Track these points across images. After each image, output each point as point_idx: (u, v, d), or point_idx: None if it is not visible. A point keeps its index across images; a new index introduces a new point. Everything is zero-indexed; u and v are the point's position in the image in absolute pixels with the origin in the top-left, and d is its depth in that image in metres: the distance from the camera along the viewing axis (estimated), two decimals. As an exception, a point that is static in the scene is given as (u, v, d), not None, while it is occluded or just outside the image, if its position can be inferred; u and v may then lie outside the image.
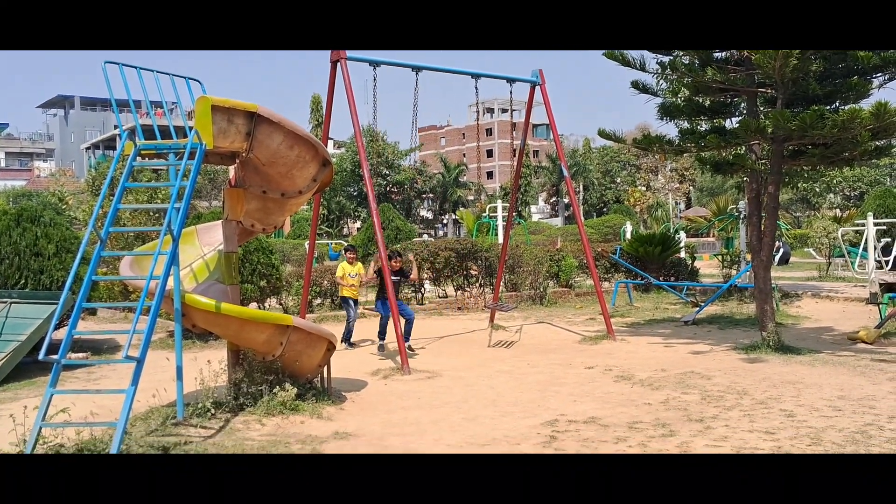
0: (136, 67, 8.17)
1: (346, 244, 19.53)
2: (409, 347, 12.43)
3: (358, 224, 61.82)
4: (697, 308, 16.55)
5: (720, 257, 22.65)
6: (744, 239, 21.54)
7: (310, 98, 63.22)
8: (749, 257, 19.99)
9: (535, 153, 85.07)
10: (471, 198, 72.10)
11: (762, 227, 12.28)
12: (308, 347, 8.59)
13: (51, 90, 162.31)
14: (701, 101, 12.81)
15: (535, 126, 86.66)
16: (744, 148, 12.37)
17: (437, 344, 13.84)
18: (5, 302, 11.31)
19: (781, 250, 29.97)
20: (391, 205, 46.33)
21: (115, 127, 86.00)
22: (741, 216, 21.59)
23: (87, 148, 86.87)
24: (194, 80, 8.65)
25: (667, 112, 12.93)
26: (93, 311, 17.11)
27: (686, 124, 13.07)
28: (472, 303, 18.83)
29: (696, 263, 23.38)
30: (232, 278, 8.77)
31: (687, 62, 12.08)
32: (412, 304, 18.49)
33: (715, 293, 17.41)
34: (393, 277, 12.33)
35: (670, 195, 70.95)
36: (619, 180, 78.82)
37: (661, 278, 20.71)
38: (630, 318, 16.63)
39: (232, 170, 8.98)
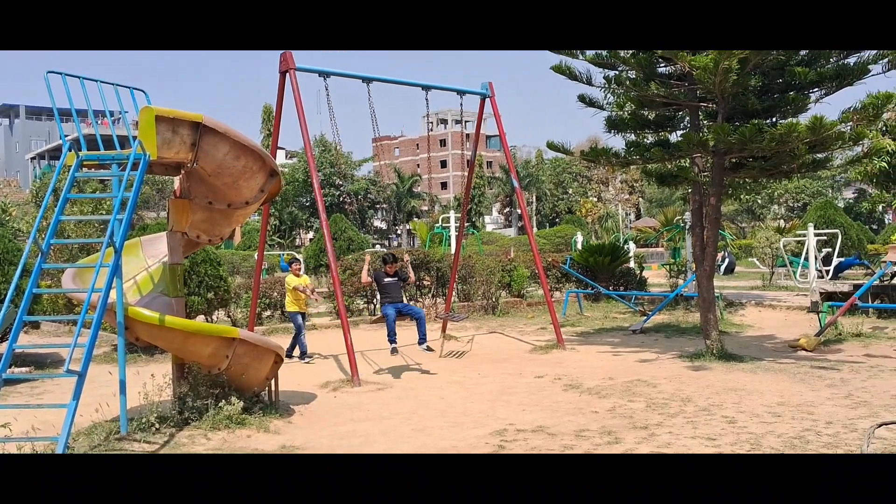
0: (79, 77, 8.06)
1: (292, 256, 19.40)
2: (428, 348, 12.30)
3: (310, 235, 61.43)
4: (645, 317, 16.82)
5: (667, 267, 23.06)
6: (690, 249, 21.98)
7: (261, 107, 62.64)
8: (695, 267, 20.43)
9: (489, 164, 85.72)
10: (425, 208, 72.25)
11: (705, 237, 12.55)
12: (255, 360, 8.52)
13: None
14: (646, 114, 13.07)
15: (488, 137, 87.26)
16: (687, 160, 12.65)
17: (388, 355, 13.81)
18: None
19: (727, 260, 30.66)
20: (344, 215, 46.17)
21: (59, 137, 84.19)
22: (686, 227, 22.04)
23: (33, 158, 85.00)
24: (139, 90, 8.57)
25: (613, 125, 13.16)
26: (36, 325, 16.72)
27: (632, 137, 13.33)
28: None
29: (645, 273, 23.77)
30: (177, 290, 8.67)
31: (632, 77, 12.33)
32: (364, 315, 18.46)
33: (662, 302, 17.72)
34: (389, 280, 12.25)
35: (620, 206, 71.98)
36: (570, 191, 79.73)
37: (610, 288, 21.01)
38: (580, 328, 16.82)
39: (177, 180, 8.89)
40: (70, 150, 7.71)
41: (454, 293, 18.44)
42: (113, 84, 8.39)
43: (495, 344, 14.98)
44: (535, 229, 56.30)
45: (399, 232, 75.13)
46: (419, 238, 50.23)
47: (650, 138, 13.42)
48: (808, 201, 53.24)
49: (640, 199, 76.33)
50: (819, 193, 54.23)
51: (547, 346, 14.02)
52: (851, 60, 11.37)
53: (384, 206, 72.65)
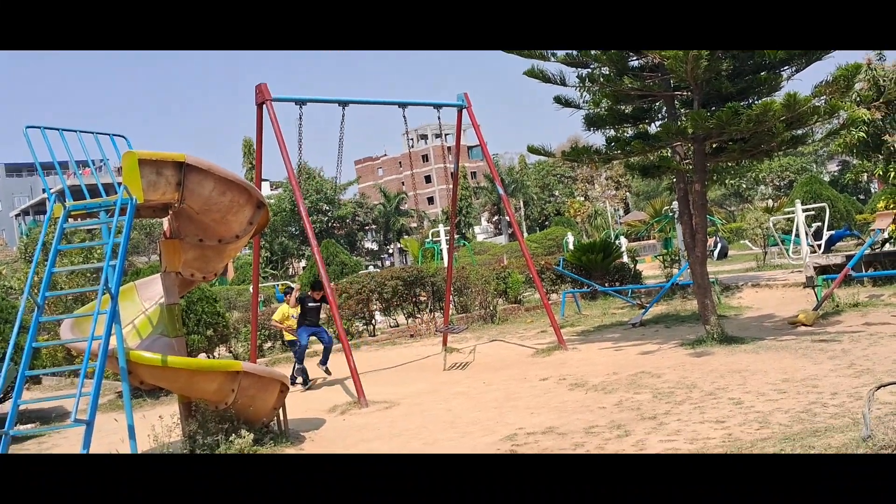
0: (58, 129, 8.11)
1: (287, 286, 19.44)
2: (327, 370, 13.26)
3: (303, 263, 61.42)
4: (643, 310, 16.89)
5: (661, 258, 23.15)
6: (681, 238, 22.08)
7: (241, 141, 62.77)
8: (687, 255, 20.52)
9: (473, 174, 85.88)
10: (414, 225, 72.36)
11: (694, 224, 12.65)
12: (261, 391, 8.55)
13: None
14: (623, 109, 13.19)
15: (469, 148, 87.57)
16: (668, 150, 12.76)
17: (392, 373, 13.85)
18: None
19: (719, 245, 30.81)
20: (334, 240, 46.21)
21: (43, 191, 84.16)
22: (675, 216, 22.15)
23: (17, 215, 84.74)
24: (119, 136, 8.62)
25: (591, 123, 13.27)
26: (37, 381, 16.69)
27: (612, 132, 13.43)
28: (423, 329, 18.88)
29: (639, 266, 23.85)
30: (176, 330, 8.70)
31: (605, 73, 12.45)
32: (364, 336, 18.52)
33: (658, 293, 17.79)
34: (313, 304, 13.21)
35: (608, 203, 72.23)
36: (557, 193, 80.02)
37: (606, 284, 21.07)
38: (580, 327, 16.86)
39: (166, 221, 8.93)
40: (56, 202, 7.74)
41: (451, 305, 18.49)
42: (92, 133, 8.44)
43: (497, 352, 15.00)
44: (525, 234, 56.51)
45: (391, 251, 75.19)
46: (411, 255, 50.28)
47: (630, 132, 13.53)
48: (793, 178, 53.57)
49: (628, 193, 76.63)
50: (804, 170, 54.57)
51: (549, 348, 14.06)
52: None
53: (373, 227, 72.74)
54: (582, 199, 71.13)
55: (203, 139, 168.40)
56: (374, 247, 75.85)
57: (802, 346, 11.03)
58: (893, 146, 16.20)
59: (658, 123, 12.99)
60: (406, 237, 65.56)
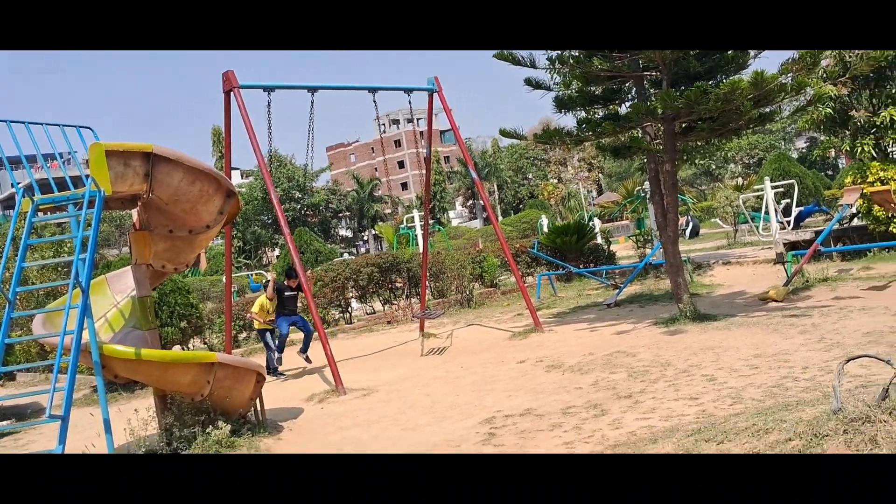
0: (24, 122, 7.98)
1: (265, 279, 19.27)
2: (307, 358, 13.23)
3: (276, 252, 61.02)
4: (617, 290, 17.01)
5: (634, 238, 23.30)
6: (653, 218, 22.24)
7: (210, 130, 62.03)
8: (659, 235, 20.68)
9: (447, 159, 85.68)
10: (388, 211, 72.15)
11: (665, 204, 12.74)
12: (237, 382, 8.51)
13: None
14: (593, 90, 13.23)
15: (442, 132, 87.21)
16: (638, 130, 12.83)
17: (370, 360, 13.86)
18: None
19: (691, 224, 31.05)
20: (308, 228, 45.95)
21: (11, 185, 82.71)
22: (647, 196, 22.28)
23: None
24: (86, 127, 8.49)
25: (562, 105, 13.30)
26: (11, 377, 16.48)
27: (582, 114, 13.47)
28: (400, 315, 18.88)
29: (613, 247, 23.99)
30: (149, 323, 8.63)
31: (575, 54, 12.46)
32: (340, 324, 18.49)
33: (631, 274, 17.93)
34: (290, 293, 13.17)
35: (581, 185, 72.48)
36: (530, 176, 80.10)
37: (580, 266, 21.19)
38: (555, 309, 16.96)
39: (135, 213, 8.83)
40: (24, 197, 7.63)
41: (427, 291, 18.50)
42: (59, 125, 8.31)
43: (474, 336, 15.05)
44: (499, 218, 56.53)
45: (365, 238, 74.94)
46: (386, 241, 50.15)
47: (600, 113, 13.58)
48: (762, 156, 54.07)
49: (600, 175, 76.92)
50: (772, 147, 55.09)
51: (525, 331, 14.13)
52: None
53: (347, 214, 72.39)
54: (555, 181, 71.30)
55: (171, 128, 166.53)
56: (349, 234, 75.53)
57: (773, 322, 11.19)
58: (860, 122, 16.40)
59: (628, 104, 13.04)
60: (380, 223, 65.36)
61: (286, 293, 13.15)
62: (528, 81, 13.22)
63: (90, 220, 7.33)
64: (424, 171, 15.59)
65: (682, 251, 13.49)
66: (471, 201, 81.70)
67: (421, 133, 17.58)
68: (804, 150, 57.41)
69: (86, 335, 7.23)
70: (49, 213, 8.19)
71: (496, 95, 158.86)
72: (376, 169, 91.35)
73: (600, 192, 74.38)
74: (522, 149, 77.66)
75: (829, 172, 45.80)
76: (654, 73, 12.21)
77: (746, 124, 11.93)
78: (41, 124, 8.19)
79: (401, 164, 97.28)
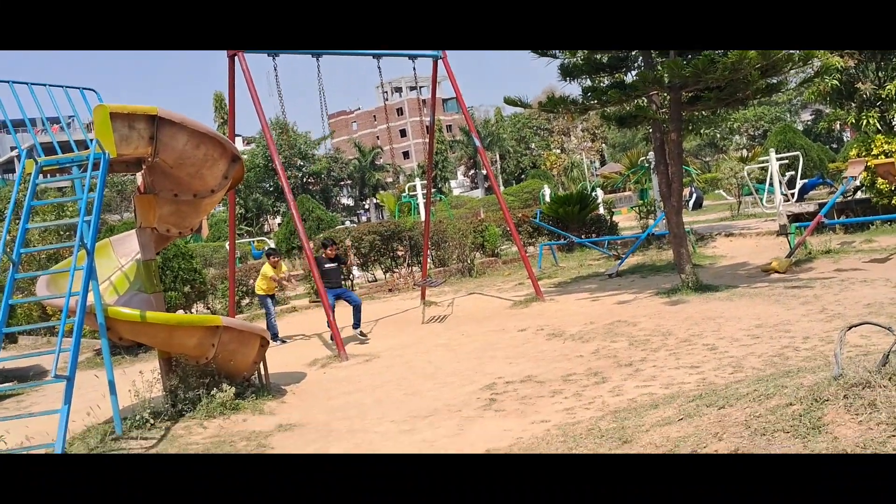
0: (27, 83, 7.95)
1: (267, 248, 19.26)
2: (361, 333, 12.47)
3: (278, 220, 61.02)
4: (619, 260, 17.03)
5: (636, 209, 23.27)
6: (657, 189, 22.19)
7: (212, 96, 61.70)
8: (664, 205, 20.65)
9: (449, 128, 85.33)
10: (389, 180, 71.97)
11: (669, 174, 12.70)
12: (241, 346, 8.56)
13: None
14: (599, 58, 13.12)
15: (444, 101, 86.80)
16: (644, 99, 12.74)
17: (371, 327, 13.91)
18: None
19: (694, 195, 31.00)
20: (310, 195, 45.92)
21: (13, 148, 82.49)
22: (651, 166, 22.21)
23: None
24: (89, 89, 8.44)
25: (568, 73, 13.20)
26: (14, 340, 16.57)
27: (588, 82, 13.38)
28: (402, 283, 18.93)
29: (616, 218, 23.98)
30: (154, 286, 8.66)
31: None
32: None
33: (634, 244, 17.93)
34: (330, 265, 12.38)
35: (584, 155, 72.22)
36: (533, 146, 79.81)
37: (582, 236, 21.19)
38: (557, 279, 16.99)
39: (139, 176, 8.83)
40: (28, 159, 7.61)
41: (429, 260, 18.52)
42: (62, 86, 8.28)
43: (475, 304, 15.10)
44: (501, 188, 56.48)
45: (367, 206, 74.88)
46: (387, 209, 50.11)
47: (605, 81, 13.48)
48: (768, 128, 53.80)
49: (604, 145, 76.62)
50: (778, 119, 54.82)
51: (526, 300, 14.16)
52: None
53: (348, 182, 72.26)
54: (558, 151, 71.04)
55: (173, 93, 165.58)
56: (350, 202, 75.46)
57: (775, 293, 11.21)
58: (866, 94, 16.29)
59: (634, 72, 12.95)
60: (382, 192, 65.24)
61: (326, 265, 12.38)
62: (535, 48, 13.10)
63: (94, 182, 7.32)
64: (427, 140, 15.53)
65: (686, 222, 13.46)
66: (472, 171, 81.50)
67: (423, 101, 17.45)
68: (809, 123, 57.07)
69: (91, 297, 7.26)
70: (52, 175, 8.18)
71: (499, 64, 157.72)
72: (378, 137, 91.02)
73: (603, 163, 74.14)
74: (526, 118, 77.29)
75: (834, 146, 45.60)
76: (660, 42, 12.08)
77: (753, 94, 11.85)
78: (44, 85, 8.16)
79: (403, 133, 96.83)
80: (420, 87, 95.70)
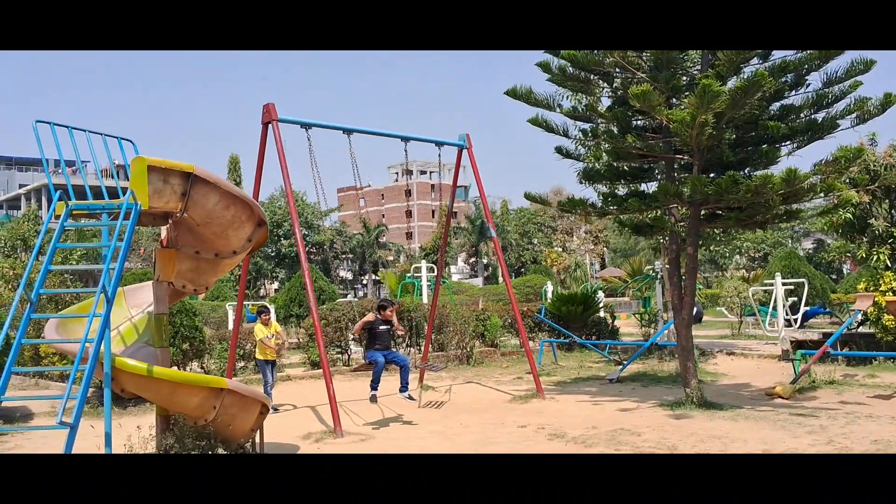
0: (67, 127, 8.05)
1: (262, 306, 19.15)
2: (409, 397, 12.07)
3: (276, 285, 60.91)
4: (621, 366, 16.93)
5: (638, 316, 23.27)
6: (660, 298, 22.25)
7: (227, 157, 62.57)
8: (667, 316, 20.67)
9: (454, 214, 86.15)
10: (391, 258, 72.21)
11: (682, 287, 12.75)
12: (242, 411, 8.43)
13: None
14: (621, 166, 13.36)
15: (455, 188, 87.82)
16: (663, 211, 12.91)
17: (367, 405, 13.66)
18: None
19: (695, 309, 31.06)
20: (312, 265, 45.96)
21: (22, 185, 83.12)
22: (658, 276, 22.32)
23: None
24: (127, 140, 8.56)
25: (588, 177, 13.40)
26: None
27: (605, 188, 13.57)
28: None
29: (616, 322, 23.94)
30: (162, 340, 8.58)
31: (608, 130, 12.63)
32: (338, 365, 18.33)
33: (636, 351, 17.86)
34: (384, 327, 12.02)
35: (587, 256, 72.74)
36: (535, 241, 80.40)
37: (583, 337, 21.13)
38: (556, 377, 16.85)
39: (164, 230, 8.85)
40: (59, 200, 7.64)
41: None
42: (101, 134, 8.38)
43: (473, 394, 14.92)
44: (499, 280, 56.43)
45: (365, 282, 74.88)
46: (387, 288, 50.04)
47: (623, 189, 13.67)
48: (768, 251, 54.36)
49: (605, 248, 77.22)
50: (779, 244, 55.45)
51: (526, 395, 14.01)
52: (820, 116, 11.84)
53: (349, 256, 72.50)
54: (560, 249, 71.53)
55: (187, 151, 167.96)
56: (349, 276, 75.53)
57: (780, 418, 11.10)
58: (878, 230, 16.53)
59: (656, 184, 13.15)
60: (383, 269, 65.35)
61: (381, 327, 11.98)
62: (559, 150, 13.36)
63: (123, 230, 7.33)
64: (436, 223, 15.67)
65: (691, 336, 13.41)
66: (473, 259, 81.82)
67: (433, 185, 17.72)
68: (810, 251, 57.71)
69: (102, 346, 7.17)
70: (82, 219, 8.20)
71: (507, 160, 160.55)
72: (383, 215, 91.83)
73: (603, 266, 74.61)
74: (531, 213, 78.10)
75: (833, 276, 45.97)
76: (685, 157, 12.33)
77: (773, 218, 12.02)
78: (84, 131, 8.26)
79: (408, 214, 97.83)
80: (430, 173, 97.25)
